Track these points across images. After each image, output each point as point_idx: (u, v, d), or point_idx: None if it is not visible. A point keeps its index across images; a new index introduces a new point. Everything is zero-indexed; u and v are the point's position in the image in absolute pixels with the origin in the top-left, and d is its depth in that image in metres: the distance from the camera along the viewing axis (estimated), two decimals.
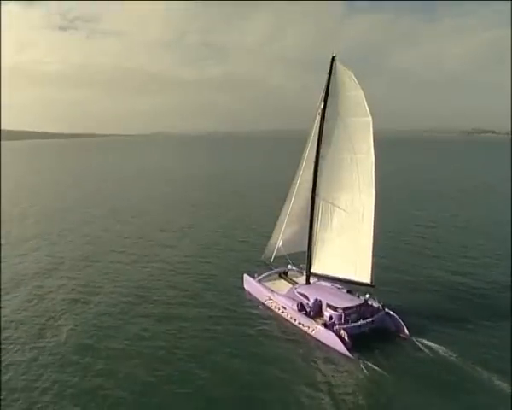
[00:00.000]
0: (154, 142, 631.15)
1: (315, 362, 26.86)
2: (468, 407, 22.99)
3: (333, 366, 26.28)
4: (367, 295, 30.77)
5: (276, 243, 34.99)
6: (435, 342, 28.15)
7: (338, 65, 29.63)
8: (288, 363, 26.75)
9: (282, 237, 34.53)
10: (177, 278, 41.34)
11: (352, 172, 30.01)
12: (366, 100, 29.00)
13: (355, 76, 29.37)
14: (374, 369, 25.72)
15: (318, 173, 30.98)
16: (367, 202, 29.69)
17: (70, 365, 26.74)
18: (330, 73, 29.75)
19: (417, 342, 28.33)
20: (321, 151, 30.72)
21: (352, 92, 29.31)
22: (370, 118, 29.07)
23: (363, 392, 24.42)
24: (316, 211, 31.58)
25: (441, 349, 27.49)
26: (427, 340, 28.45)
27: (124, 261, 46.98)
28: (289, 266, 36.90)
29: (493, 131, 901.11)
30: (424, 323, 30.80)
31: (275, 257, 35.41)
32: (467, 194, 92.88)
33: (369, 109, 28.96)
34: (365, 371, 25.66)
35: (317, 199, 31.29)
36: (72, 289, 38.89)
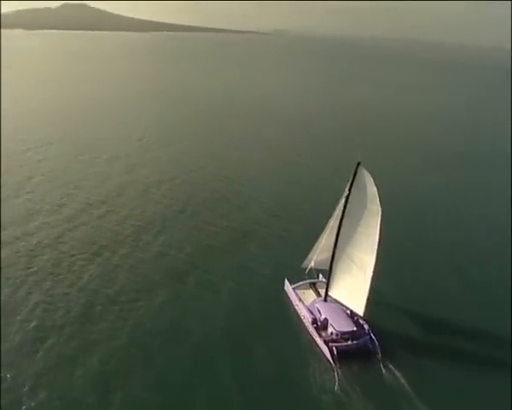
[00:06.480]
0: (269, 42, 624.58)
1: (310, 361, 42.56)
2: None
3: (320, 368, 41.77)
4: (362, 322, 44.70)
5: (311, 260, 49.60)
6: (399, 370, 41.17)
7: (362, 169, 41.54)
8: (292, 359, 42.79)
9: (317, 258, 48.86)
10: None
11: (363, 240, 42.83)
12: None
13: None
14: (344, 377, 40.44)
15: (340, 235, 44.23)
16: (370, 261, 42.62)
17: None
18: (355, 174, 41.79)
19: (384, 366, 41.76)
20: (343, 221, 43.67)
21: (371, 189, 41.32)
22: (380, 208, 41.14)
23: (328, 391, 39.39)
24: (335, 259, 45.32)
25: (403, 377, 40.40)
26: (394, 366, 41.66)
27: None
28: (320, 277, 51.52)
29: None
30: (399, 352, 43.71)
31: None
32: None
33: None
34: (338, 377, 40.51)
35: (337, 252, 44.83)
36: None
